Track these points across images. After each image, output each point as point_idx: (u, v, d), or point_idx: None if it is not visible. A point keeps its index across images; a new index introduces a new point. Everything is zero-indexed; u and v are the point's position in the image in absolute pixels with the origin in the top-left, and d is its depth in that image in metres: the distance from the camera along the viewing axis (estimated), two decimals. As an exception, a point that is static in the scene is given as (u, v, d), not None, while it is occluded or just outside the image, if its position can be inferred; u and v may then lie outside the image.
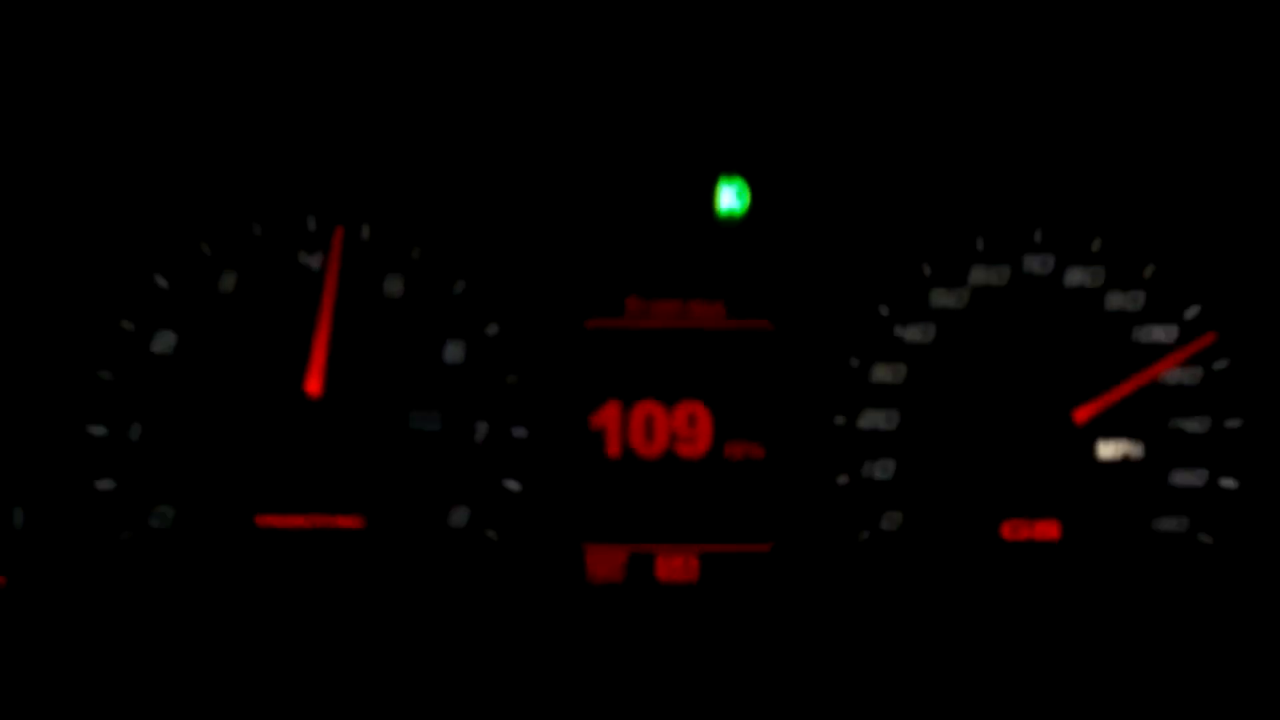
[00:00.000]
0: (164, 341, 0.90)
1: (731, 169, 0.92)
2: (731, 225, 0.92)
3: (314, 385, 0.88)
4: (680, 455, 0.91)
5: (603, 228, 0.92)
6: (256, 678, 0.87)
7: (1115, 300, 0.92)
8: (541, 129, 0.91)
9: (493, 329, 0.91)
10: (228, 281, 0.91)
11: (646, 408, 0.91)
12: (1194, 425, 0.92)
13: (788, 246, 0.92)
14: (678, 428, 0.91)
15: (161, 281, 0.90)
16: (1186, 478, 0.92)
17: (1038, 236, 0.92)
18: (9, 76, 0.88)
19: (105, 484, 0.89)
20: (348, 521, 0.90)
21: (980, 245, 0.92)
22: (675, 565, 0.91)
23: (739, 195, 0.91)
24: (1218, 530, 0.91)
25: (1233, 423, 0.92)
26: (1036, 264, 0.92)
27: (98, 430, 0.89)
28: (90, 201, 0.91)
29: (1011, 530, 0.91)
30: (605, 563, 0.91)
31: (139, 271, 0.90)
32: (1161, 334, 0.92)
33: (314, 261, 0.91)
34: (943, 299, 0.92)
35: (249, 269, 0.91)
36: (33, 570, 0.88)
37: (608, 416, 0.91)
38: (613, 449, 0.91)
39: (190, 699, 0.87)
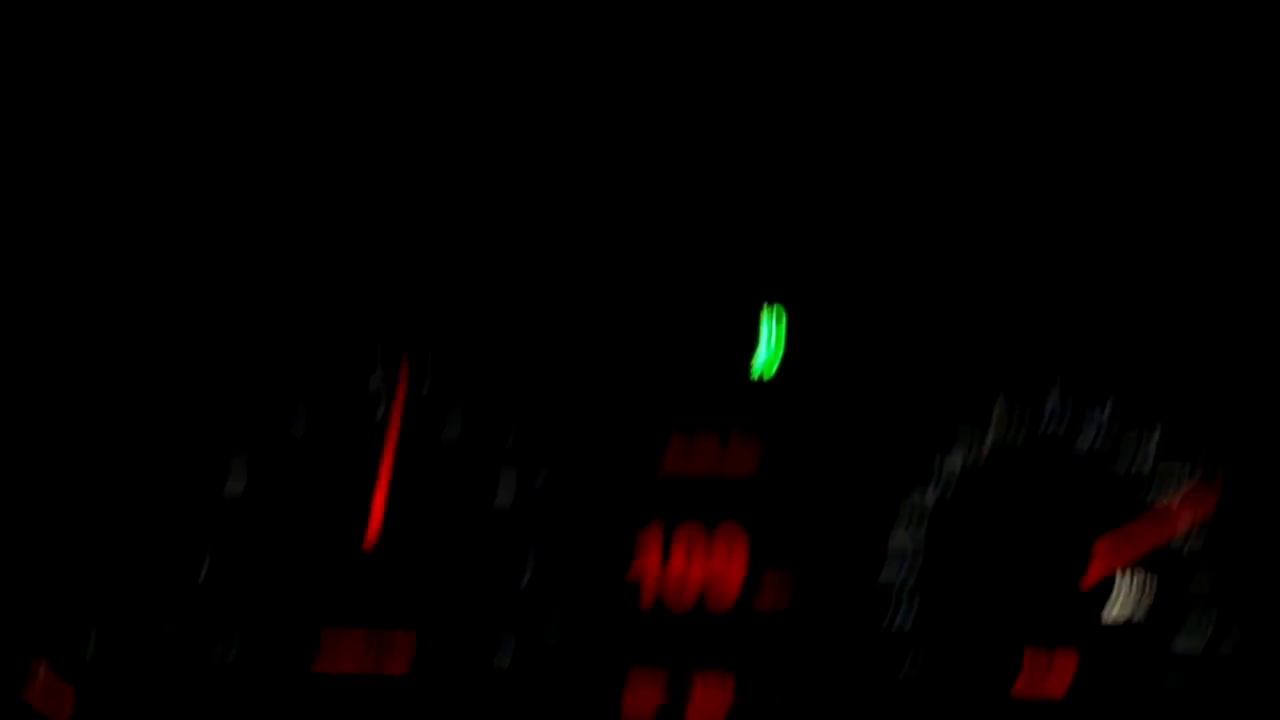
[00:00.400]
0: (234, 484, 0.96)
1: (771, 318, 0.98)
2: (764, 385, 0.98)
3: (371, 539, 0.93)
4: (710, 610, 0.96)
5: (648, 382, 0.98)
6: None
7: (1125, 463, 0.97)
8: (591, 285, 0.98)
9: (541, 479, 0.97)
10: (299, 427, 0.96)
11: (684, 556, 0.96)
12: (1198, 588, 0.96)
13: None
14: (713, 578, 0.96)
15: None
16: (1188, 643, 0.96)
17: (1053, 398, 0.98)
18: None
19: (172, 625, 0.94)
20: (394, 668, 0.94)
21: (1000, 406, 0.98)
22: (708, 709, 0.95)
23: (771, 359, 0.98)
24: (1220, 693, 0.95)
25: (1236, 584, 0.96)
26: (1052, 425, 0.98)
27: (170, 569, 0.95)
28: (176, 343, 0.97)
29: (1022, 686, 0.95)
30: (639, 705, 0.95)
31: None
32: (1168, 497, 0.97)
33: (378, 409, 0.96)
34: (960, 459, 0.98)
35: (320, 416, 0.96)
36: (101, 693, 0.93)
37: (646, 568, 0.96)
38: (646, 601, 0.96)
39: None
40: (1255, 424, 0.98)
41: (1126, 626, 0.96)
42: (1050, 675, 0.95)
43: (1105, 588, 0.96)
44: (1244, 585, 0.96)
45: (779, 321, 0.98)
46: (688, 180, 0.97)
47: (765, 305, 0.98)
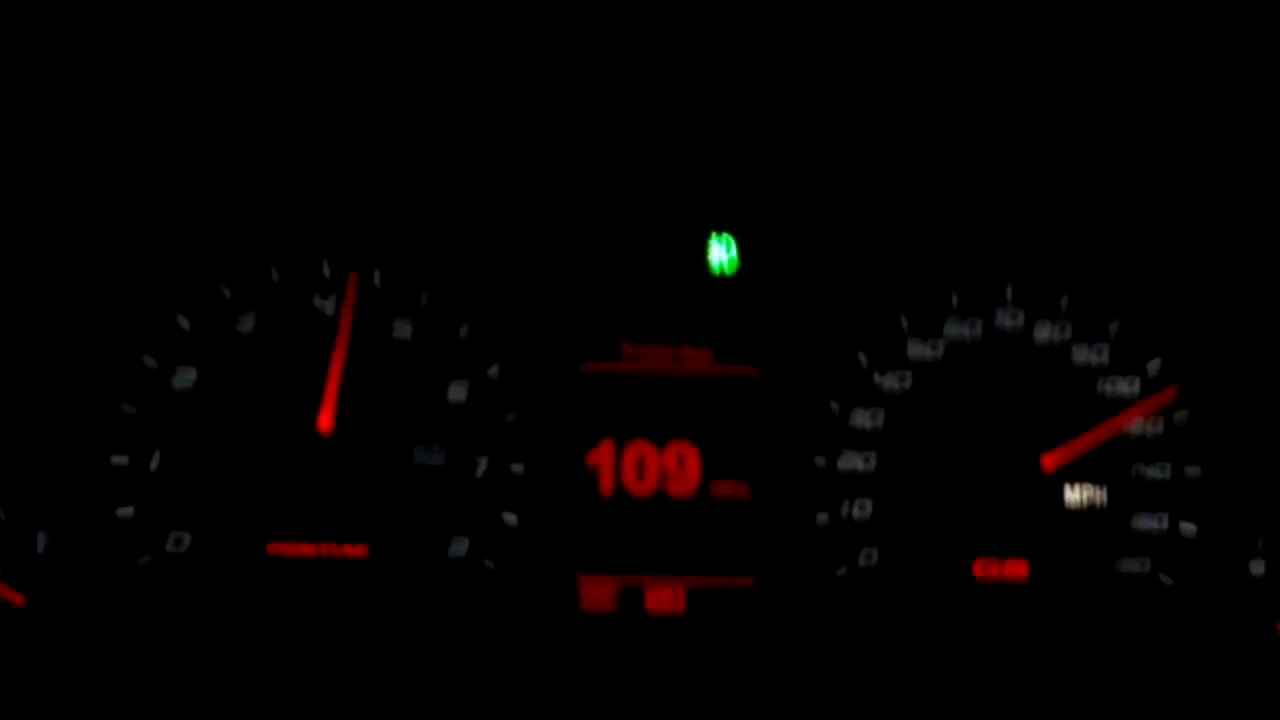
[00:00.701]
0: (184, 378, 0.95)
1: (723, 227, 0.97)
2: (722, 279, 0.97)
3: (326, 423, 0.93)
4: (670, 494, 0.96)
5: (601, 279, 0.97)
6: (263, 701, 0.92)
7: (1082, 354, 0.97)
8: (544, 184, 0.97)
9: (494, 371, 0.96)
10: (246, 323, 0.96)
11: (638, 448, 0.96)
12: (1156, 473, 0.97)
13: (774, 300, 0.97)
14: (668, 467, 0.96)
15: (183, 322, 0.96)
16: (1148, 522, 0.96)
17: (1008, 294, 0.98)
18: (42, 116, 0.94)
19: (125, 511, 0.94)
20: (354, 550, 0.94)
21: (955, 301, 0.98)
22: (663, 597, 0.96)
23: (729, 252, 0.97)
24: (1178, 572, 0.96)
25: (1192, 471, 0.97)
26: (1007, 319, 0.97)
27: (120, 460, 0.94)
28: (116, 244, 0.96)
29: (982, 569, 0.96)
30: (598, 593, 0.95)
31: (162, 312, 0.96)
32: (1126, 387, 0.97)
33: (328, 306, 0.96)
34: (919, 350, 0.97)
35: (267, 312, 0.96)
36: (53, 591, 0.92)
37: (602, 456, 0.96)
38: (606, 487, 0.96)
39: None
40: (1211, 313, 0.98)
41: (1089, 511, 0.96)
42: (1011, 560, 0.95)
43: (1065, 474, 0.96)
44: (1204, 471, 0.97)
45: (728, 236, 0.97)
46: (633, 90, 0.95)
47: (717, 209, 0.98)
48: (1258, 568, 0.96)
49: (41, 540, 0.93)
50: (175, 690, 0.92)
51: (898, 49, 0.92)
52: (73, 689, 0.91)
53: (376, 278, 0.97)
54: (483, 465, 0.96)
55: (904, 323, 0.98)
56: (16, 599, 0.91)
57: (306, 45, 0.91)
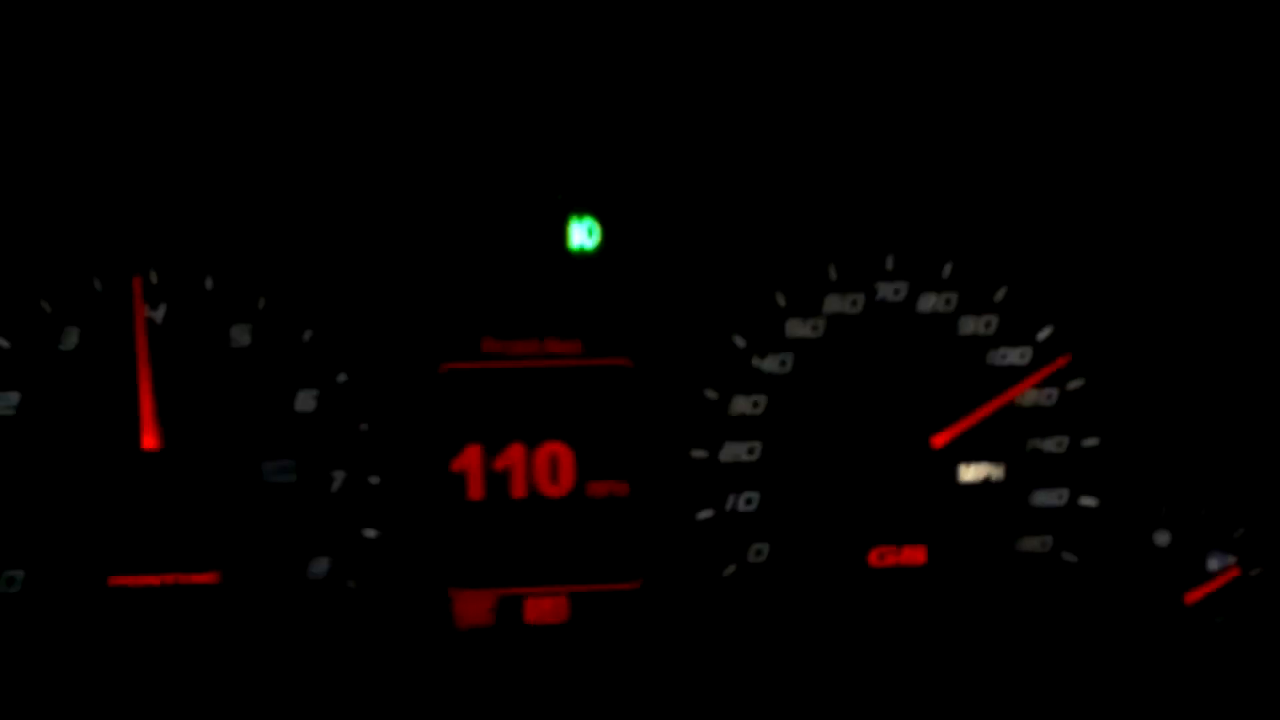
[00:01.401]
0: (5, 402, 0.87)
1: (582, 207, 0.91)
2: (584, 261, 0.91)
3: (149, 439, 0.86)
4: (544, 495, 0.90)
5: (455, 270, 0.90)
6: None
7: (969, 325, 0.92)
8: (390, 168, 0.90)
9: (343, 376, 0.90)
10: (69, 339, 0.88)
11: (507, 450, 0.90)
12: (1051, 445, 0.92)
13: (641, 281, 0.91)
14: (540, 468, 0.90)
15: (2, 342, 0.88)
16: (1047, 498, 0.92)
17: (889, 264, 0.92)
18: None
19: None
20: (203, 578, 0.88)
21: (833, 274, 0.92)
22: (545, 607, 0.90)
23: (590, 232, 0.91)
24: (1080, 548, 0.92)
25: (1090, 442, 0.92)
26: (890, 291, 0.92)
27: None
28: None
29: (879, 557, 0.91)
30: (473, 608, 0.90)
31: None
32: (1016, 357, 0.92)
33: (159, 315, 0.89)
34: (798, 329, 0.92)
35: (90, 325, 0.88)
36: None
37: (469, 460, 0.90)
38: (475, 492, 0.90)
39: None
40: (1102, 277, 0.93)
41: (985, 489, 0.91)
42: (908, 547, 0.91)
43: (958, 452, 0.91)
44: (1102, 442, 0.92)
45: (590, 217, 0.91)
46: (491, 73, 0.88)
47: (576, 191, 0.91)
48: (1162, 538, 0.93)
49: None
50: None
51: (760, 13, 0.86)
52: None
53: (209, 282, 0.89)
54: (338, 479, 0.89)
55: (780, 300, 0.92)
56: None
57: (113, 46, 0.84)
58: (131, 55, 0.85)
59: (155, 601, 0.87)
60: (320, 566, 0.89)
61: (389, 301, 0.90)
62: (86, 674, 0.87)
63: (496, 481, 0.90)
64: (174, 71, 0.86)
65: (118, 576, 0.87)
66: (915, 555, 0.91)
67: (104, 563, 0.87)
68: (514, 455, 0.90)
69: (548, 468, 0.90)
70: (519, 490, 0.90)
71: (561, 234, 0.91)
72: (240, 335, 0.89)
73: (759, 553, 0.91)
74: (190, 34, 0.85)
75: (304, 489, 0.89)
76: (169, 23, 0.84)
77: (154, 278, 0.89)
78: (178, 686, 0.87)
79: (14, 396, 0.87)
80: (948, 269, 0.93)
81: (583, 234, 0.91)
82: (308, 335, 0.90)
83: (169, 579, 0.88)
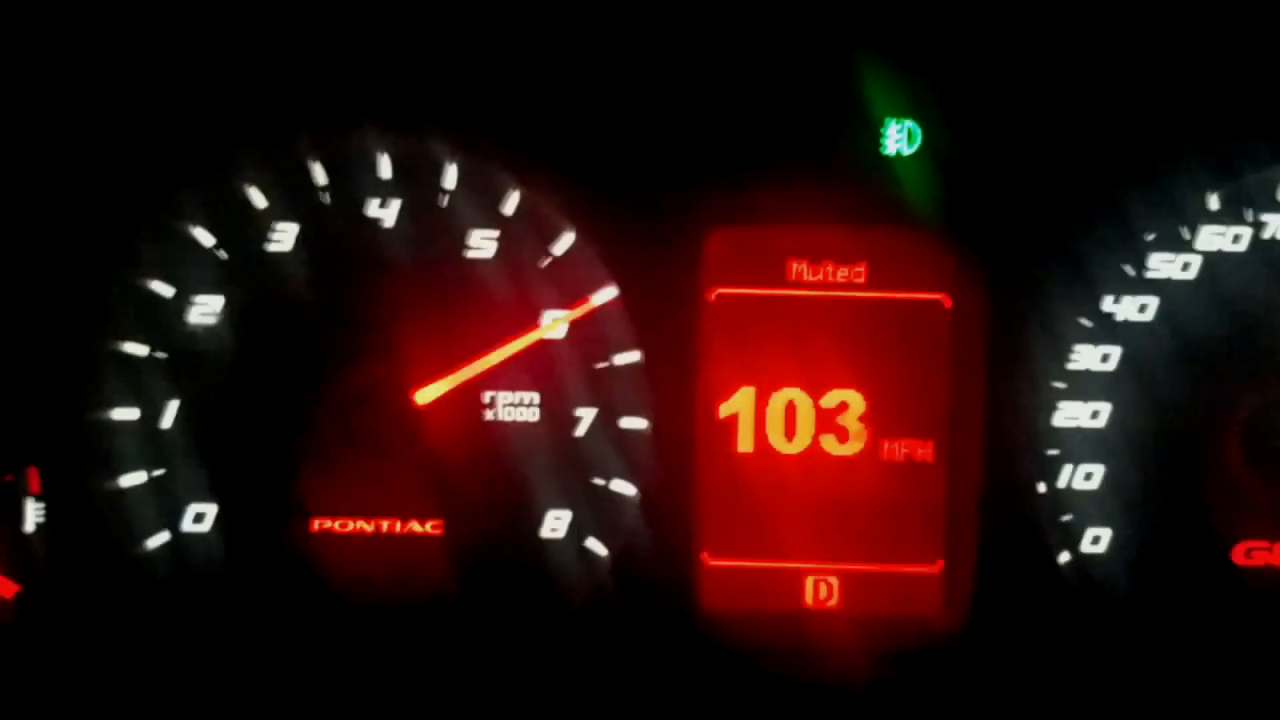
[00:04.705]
0: (205, 309, 0.77)
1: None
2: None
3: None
4: (827, 453, 0.79)
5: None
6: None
7: None
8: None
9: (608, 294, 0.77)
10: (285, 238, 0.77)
11: (787, 395, 0.78)
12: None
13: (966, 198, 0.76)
14: (825, 420, 0.78)
15: (205, 237, 0.77)
16: None
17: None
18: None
19: (132, 479, 0.77)
20: (423, 528, 0.78)
21: (1213, 203, 0.76)
22: (816, 589, 0.79)
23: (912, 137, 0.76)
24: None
25: None
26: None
27: (124, 415, 0.77)
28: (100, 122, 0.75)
29: (1246, 553, 0.77)
30: (729, 583, 0.79)
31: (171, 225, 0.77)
32: None
33: (386, 215, 0.76)
34: (1164, 267, 0.76)
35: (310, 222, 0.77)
36: (48, 580, 0.77)
37: (740, 404, 0.78)
38: (743, 443, 0.79)
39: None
40: None
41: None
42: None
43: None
44: None
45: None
46: None
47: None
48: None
49: (30, 518, 0.78)
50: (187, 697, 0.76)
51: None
52: (70, 691, 0.76)
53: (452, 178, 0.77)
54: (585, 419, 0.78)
55: (1143, 232, 0.76)
56: None
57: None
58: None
59: (362, 552, 0.78)
60: (557, 524, 0.78)
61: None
62: (268, 634, 0.77)
63: (769, 432, 0.78)
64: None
65: (322, 519, 0.78)
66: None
67: (308, 504, 0.78)
68: (794, 402, 0.78)
69: (833, 420, 0.78)
70: (798, 445, 0.78)
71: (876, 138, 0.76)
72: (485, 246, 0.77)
73: (1096, 540, 0.77)
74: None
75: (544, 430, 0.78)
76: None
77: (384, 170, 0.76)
78: (380, 651, 0.77)
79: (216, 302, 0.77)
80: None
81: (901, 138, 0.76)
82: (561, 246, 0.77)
83: (384, 526, 0.78)
